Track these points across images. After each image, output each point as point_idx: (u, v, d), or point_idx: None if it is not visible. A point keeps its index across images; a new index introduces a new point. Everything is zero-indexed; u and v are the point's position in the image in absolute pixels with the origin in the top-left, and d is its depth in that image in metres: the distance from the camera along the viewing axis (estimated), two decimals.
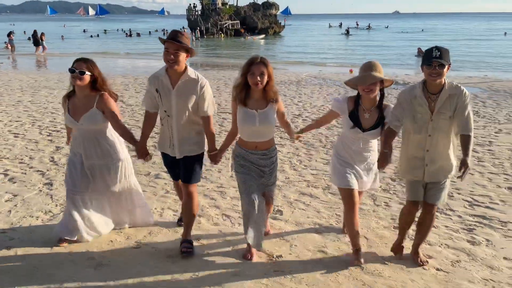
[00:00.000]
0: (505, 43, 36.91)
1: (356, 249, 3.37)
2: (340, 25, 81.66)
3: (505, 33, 54.11)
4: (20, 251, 3.48)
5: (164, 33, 54.36)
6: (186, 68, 3.31)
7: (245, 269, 3.27)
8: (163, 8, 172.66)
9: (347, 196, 3.34)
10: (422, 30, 67.06)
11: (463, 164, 3.01)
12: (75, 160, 3.58)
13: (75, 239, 3.56)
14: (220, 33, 52.70)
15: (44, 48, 27.08)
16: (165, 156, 3.59)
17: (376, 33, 61.64)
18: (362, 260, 3.32)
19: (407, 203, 3.40)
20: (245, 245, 3.50)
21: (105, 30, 65.88)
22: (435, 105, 3.12)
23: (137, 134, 3.71)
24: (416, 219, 3.46)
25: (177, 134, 3.38)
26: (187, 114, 3.34)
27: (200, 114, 3.39)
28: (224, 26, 54.18)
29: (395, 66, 19.27)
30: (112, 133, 3.63)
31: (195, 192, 3.51)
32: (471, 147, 3.09)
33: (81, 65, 3.38)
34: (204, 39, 48.19)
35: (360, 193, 3.63)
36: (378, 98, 3.33)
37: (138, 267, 3.25)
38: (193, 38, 44.20)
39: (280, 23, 60.97)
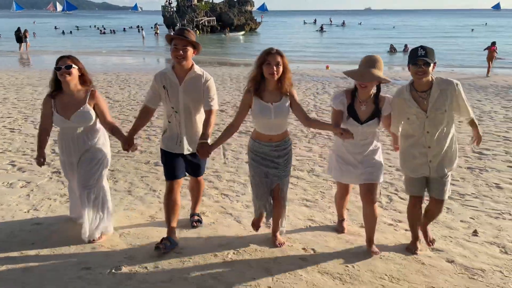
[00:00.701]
0: (472, 40, 38.61)
1: (341, 219, 3.99)
2: (315, 22, 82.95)
3: (472, 29, 56.48)
4: (48, 225, 3.94)
5: (139, 30, 53.86)
6: (192, 65, 3.44)
7: (248, 234, 3.85)
8: (136, 4, 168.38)
9: (341, 187, 3.78)
10: (394, 27, 68.73)
11: (476, 136, 3.33)
12: (65, 159, 3.65)
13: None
14: (196, 30, 52.74)
15: (26, 45, 26.90)
16: (166, 153, 3.57)
17: (350, 30, 63.07)
18: (345, 227, 3.93)
19: (410, 198, 3.44)
20: (244, 218, 4.08)
21: (77, 27, 64.66)
22: (427, 102, 3.15)
23: (126, 129, 3.88)
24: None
25: (185, 130, 3.46)
26: (193, 109, 3.46)
27: (204, 108, 3.45)
28: (200, 22, 54.26)
29: None
30: (98, 128, 3.63)
31: (201, 178, 3.99)
32: (477, 123, 3.39)
33: (66, 61, 3.42)
34: None
35: (373, 184, 3.42)
36: (374, 91, 3.33)
37: (156, 234, 3.77)
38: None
39: (256, 19, 61.43)
